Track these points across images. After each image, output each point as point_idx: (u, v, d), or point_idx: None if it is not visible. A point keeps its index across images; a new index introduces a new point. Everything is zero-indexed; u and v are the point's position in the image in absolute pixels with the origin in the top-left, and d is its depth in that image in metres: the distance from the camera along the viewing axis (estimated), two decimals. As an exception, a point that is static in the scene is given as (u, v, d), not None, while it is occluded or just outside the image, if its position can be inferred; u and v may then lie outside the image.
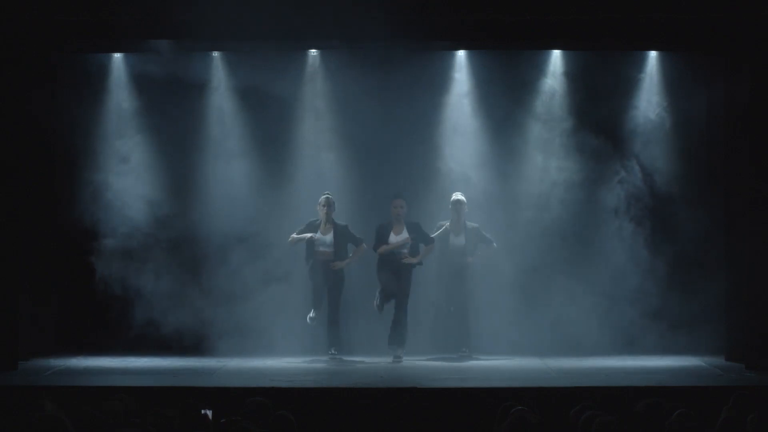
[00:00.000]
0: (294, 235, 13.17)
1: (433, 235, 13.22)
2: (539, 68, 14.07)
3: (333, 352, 13.06)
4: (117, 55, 13.90)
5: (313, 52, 13.89)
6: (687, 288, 13.89)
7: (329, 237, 13.17)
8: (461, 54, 14.01)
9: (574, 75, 14.07)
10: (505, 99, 13.96)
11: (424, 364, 12.72)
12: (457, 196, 13.37)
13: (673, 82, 14.02)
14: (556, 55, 14.01)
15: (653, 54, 13.90)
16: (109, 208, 13.90)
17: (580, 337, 13.61)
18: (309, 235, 13.10)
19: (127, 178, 13.98)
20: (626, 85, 14.07)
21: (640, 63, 14.00)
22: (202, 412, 7.80)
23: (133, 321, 13.88)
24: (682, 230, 14.06)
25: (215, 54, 13.90)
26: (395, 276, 13.03)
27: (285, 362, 12.84)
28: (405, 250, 13.12)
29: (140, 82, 13.92)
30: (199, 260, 14.05)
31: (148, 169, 14.04)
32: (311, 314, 13.12)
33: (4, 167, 12.19)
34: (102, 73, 13.93)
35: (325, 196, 13.24)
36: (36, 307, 12.96)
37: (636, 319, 13.88)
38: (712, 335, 13.41)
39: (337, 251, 13.16)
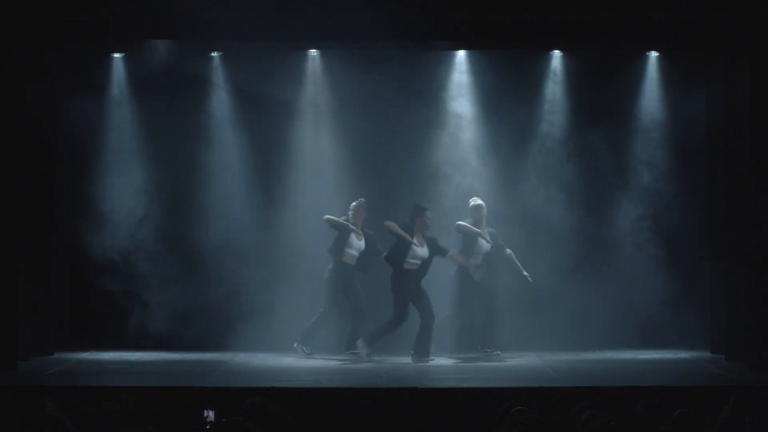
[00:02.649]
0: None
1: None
2: (539, 68, 14.07)
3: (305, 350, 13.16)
4: (117, 55, 13.90)
5: (313, 52, 13.90)
6: (686, 288, 13.90)
7: (362, 243, 13.24)
8: (461, 54, 14.00)
9: (573, 75, 14.08)
10: (505, 99, 13.97)
11: (424, 364, 12.71)
12: (477, 201, 13.29)
13: (673, 82, 14.02)
14: (556, 55, 14.01)
15: (653, 54, 13.91)
16: (109, 208, 13.92)
17: (580, 336, 13.62)
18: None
19: (127, 176, 14.00)
20: (626, 85, 14.08)
21: (640, 63, 14.00)
22: (205, 412, 7.80)
23: (133, 321, 13.90)
24: (682, 229, 14.07)
25: (215, 54, 13.90)
26: (418, 292, 12.97)
27: (285, 361, 12.85)
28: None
29: (140, 82, 13.92)
30: (201, 259, 14.07)
31: (148, 168, 14.05)
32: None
33: (4, 167, 12.18)
34: (102, 73, 13.93)
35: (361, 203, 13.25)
36: (36, 307, 12.95)
37: (636, 319, 13.90)
38: (712, 335, 13.40)
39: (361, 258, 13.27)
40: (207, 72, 14.00)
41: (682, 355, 13.33)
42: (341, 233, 13.13)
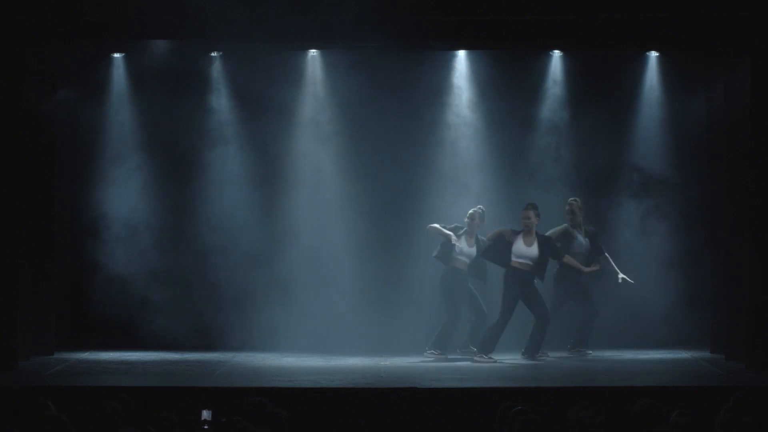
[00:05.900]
0: (436, 226, 12.94)
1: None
2: (539, 69, 14.07)
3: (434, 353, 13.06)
4: (117, 55, 13.91)
5: (313, 52, 13.90)
6: (686, 288, 13.90)
7: (474, 250, 13.02)
8: (461, 54, 14.00)
9: (573, 75, 14.08)
10: (505, 99, 13.98)
11: (424, 364, 12.72)
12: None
13: (673, 82, 14.03)
14: (556, 55, 14.01)
15: (653, 54, 13.91)
16: (109, 207, 13.93)
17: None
18: (451, 234, 12.88)
19: (127, 176, 14.01)
20: (626, 85, 14.08)
21: (640, 63, 14.00)
22: (203, 412, 7.80)
23: (134, 321, 13.90)
24: (682, 229, 14.07)
25: (215, 54, 13.90)
26: (526, 293, 12.92)
27: (285, 361, 12.86)
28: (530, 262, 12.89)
29: (140, 82, 13.93)
30: (201, 259, 14.08)
31: (148, 167, 14.07)
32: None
33: (4, 168, 12.18)
34: (102, 73, 13.93)
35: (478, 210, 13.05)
36: (36, 307, 12.95)
37: (636, 319, 13.89)
38: (712, 335, 13.40)
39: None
40: (207, 72, 14.00)
41: (682, 355, 13.33)
42: (445, 241, 12.93)
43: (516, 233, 12.90)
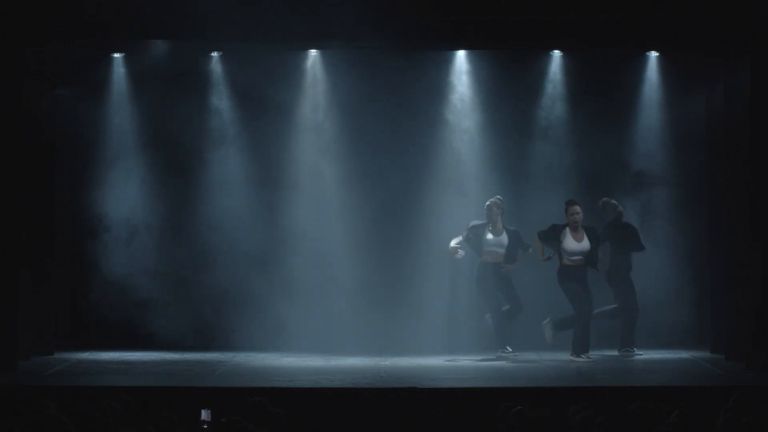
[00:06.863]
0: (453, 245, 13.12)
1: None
2: (539, 69, 14.07)
3: (509, 349, 13.07)
4: (117, 55, 13.90)
5: (313, 52, 13.90)
6: (687, 287, 13.90)
7: (503, 238, 13.06)
8: (461, 55, 13.99)
9: (573, 75, 14.07)
10: (505, 99, 13.99)
11: (424, 364, 12.71)
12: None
13: (673, 82, 14.02)
14: (556, 55, 14.01)
15: (653, 54, 13.91)
16: (109, 207, 13.93)
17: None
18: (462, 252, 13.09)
19: (127, 176, 14.01)
20: (626, 85, 14.08)
21: (640, 63, 14.00)
22: (203, 412, 7.80)
23: (133, 321, 13.90)
24: (682, 229, 14.07)
25: (215, 54, 13.89)
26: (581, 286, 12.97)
27: (285, 361, 12.87)
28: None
29: (140, 82, 13.93)
30: (201, 259, 14.07)
31: (148, 167, 14.06)
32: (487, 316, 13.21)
33: (4, 168, 12.18)
34: (102, 73, 13.92)
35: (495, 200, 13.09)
36: (36, 307, 12.95)
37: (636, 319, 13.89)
38: (712, 335, 13.40)
39: (508, 254, 13.09)
40: (207, 72, 14.00)
41: (682, 355, 13.33)
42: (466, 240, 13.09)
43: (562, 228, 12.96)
